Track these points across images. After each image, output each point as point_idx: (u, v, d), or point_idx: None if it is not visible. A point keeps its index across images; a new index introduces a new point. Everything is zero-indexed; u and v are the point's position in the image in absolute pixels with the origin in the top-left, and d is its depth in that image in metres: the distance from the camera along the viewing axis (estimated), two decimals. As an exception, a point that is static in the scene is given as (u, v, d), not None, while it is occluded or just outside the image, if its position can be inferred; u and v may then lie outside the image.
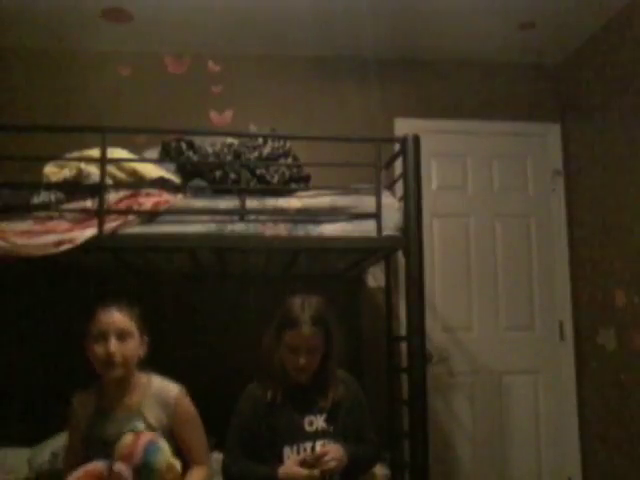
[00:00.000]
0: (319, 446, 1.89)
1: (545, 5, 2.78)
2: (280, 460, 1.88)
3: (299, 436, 1.91)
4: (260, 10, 2.82)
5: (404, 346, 2.28)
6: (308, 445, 1.90)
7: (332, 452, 1.84)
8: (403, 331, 2.36)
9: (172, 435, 1.87)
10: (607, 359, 2.91)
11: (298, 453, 1.89)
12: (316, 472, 1.80)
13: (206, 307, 2.93)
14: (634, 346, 2.70)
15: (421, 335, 2.11)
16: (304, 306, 1.93)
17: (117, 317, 1.87)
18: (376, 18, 2.88)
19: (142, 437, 1.75)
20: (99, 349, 1.84)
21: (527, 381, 3.20)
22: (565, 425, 3.17)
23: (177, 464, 1.76)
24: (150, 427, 1.83)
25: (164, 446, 1.75)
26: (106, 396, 1.90)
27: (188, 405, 1.92)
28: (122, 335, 1.86)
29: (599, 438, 3.00)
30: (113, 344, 1.83)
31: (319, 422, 1.94)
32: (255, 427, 1.93)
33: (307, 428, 1.92)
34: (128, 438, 1.75)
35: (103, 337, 1.85)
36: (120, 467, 1.67)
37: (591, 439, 3.07)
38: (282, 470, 1.83)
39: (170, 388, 1.92)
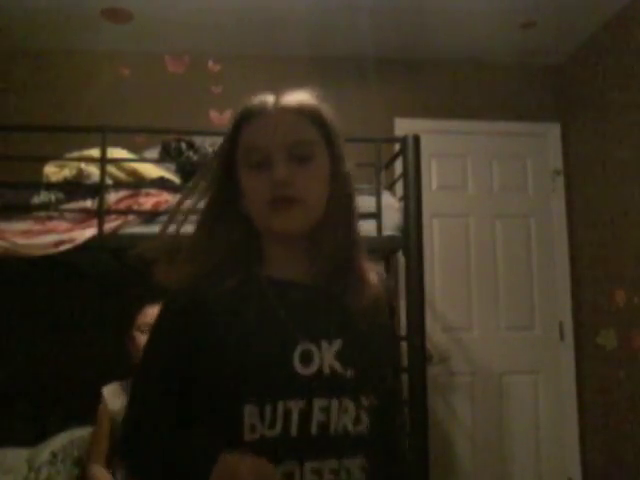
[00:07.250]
0: (321, 414, 0.88)
1: (546, 5, 2.78)
2: (234, 437, 0.86)
3: (280, 384, 0.89)
4: (260, 10, 2.82)
5: (404, 346, 2.28)
6: (296, 405, 0.88)
7: None
8: (403, 331, 2.36)
9: None
10: (607, 359, 2.91)
11: (273, 421, 0.87)
12: None
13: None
14: (634, 346, 2.70)
15: (421, 335, 2.11)
16: None
17: None
18: (376, 18, 2.88)
19: None
20: (142, 339, 1.99)
21: (527, 381, 3.20)
22: (565, 425, 3.17)
23: None
24: None
25: None
26: None
27: None
28: None
29: (599, 438, 3.00)
30: None
31: (326, 356, 0.92)
32: (185, 361, 0.92)
33: (299, 368, 0.90)
34: None
35: (148, 329, 1.96)
36: None
37: (591, 439, 3.07)
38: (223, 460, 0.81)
39: None
